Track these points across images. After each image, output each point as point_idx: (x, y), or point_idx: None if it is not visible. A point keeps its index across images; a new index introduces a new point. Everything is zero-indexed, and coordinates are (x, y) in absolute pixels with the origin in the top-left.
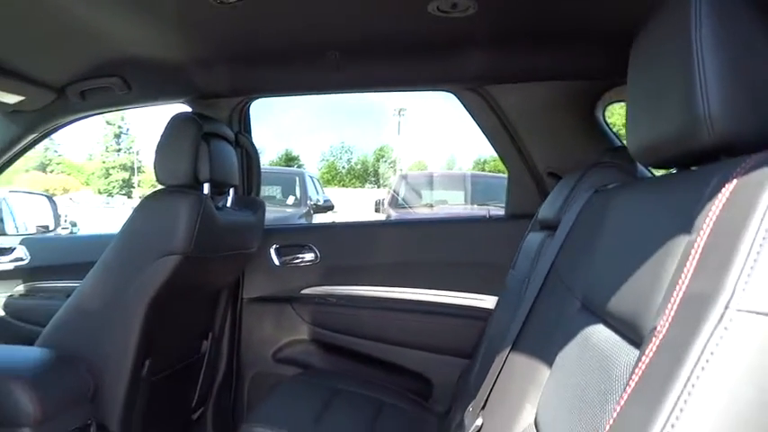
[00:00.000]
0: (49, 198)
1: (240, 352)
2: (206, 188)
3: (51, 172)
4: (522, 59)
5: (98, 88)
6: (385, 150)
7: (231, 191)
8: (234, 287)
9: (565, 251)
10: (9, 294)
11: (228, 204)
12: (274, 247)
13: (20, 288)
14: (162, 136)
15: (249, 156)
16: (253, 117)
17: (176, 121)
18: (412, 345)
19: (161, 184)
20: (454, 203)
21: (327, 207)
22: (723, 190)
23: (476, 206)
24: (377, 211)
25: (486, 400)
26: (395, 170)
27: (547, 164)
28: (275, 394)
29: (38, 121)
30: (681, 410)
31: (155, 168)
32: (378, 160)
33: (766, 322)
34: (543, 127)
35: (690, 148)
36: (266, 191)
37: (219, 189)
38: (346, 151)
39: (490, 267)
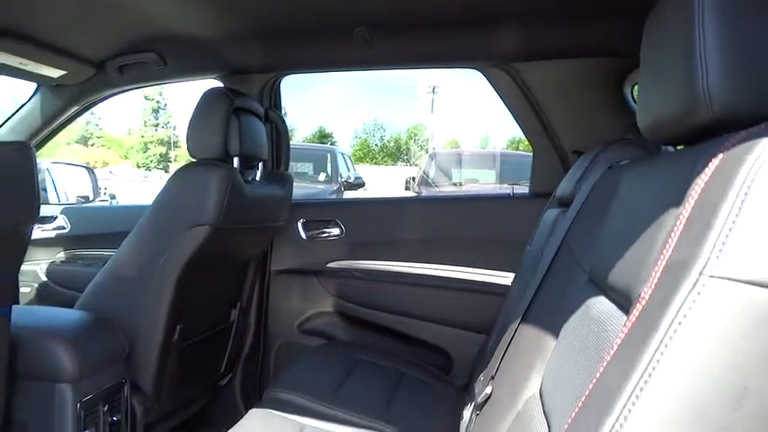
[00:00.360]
0: (89, 169)
1: (267, 322)
2: (236, 162)
3: (92, 145)
4: (550, 36)
5: (135, 63)
6: (418, 128)
7: (260, 165)
8: (262, 259)
9: (576, 227)
10: (51, 261)
11: (257, 178)
12: (302, 221)
13: (61, 255)
14: (194, 110)
15: (279, 131)
16: (288, 94)
17: (208, 95)
18: (433, 319)
19: (192, 157)
20: (485, 182)
21: (358, 184)
22: (710, 165)
23: (506, 185)
24: (407, 188)
25: (497, 369)
26: (427, 149)
27: (572, 142)
28: (299, 363)
29: (79, 94)
30: (653, 369)
31: (187, 142)
32: (410, 138)
33: (739, 288)
34: (569, 105)
35: (692, 125)
36: (298, 167)
37: (249, 163)
38: (379, 129)
39: (512, 245)
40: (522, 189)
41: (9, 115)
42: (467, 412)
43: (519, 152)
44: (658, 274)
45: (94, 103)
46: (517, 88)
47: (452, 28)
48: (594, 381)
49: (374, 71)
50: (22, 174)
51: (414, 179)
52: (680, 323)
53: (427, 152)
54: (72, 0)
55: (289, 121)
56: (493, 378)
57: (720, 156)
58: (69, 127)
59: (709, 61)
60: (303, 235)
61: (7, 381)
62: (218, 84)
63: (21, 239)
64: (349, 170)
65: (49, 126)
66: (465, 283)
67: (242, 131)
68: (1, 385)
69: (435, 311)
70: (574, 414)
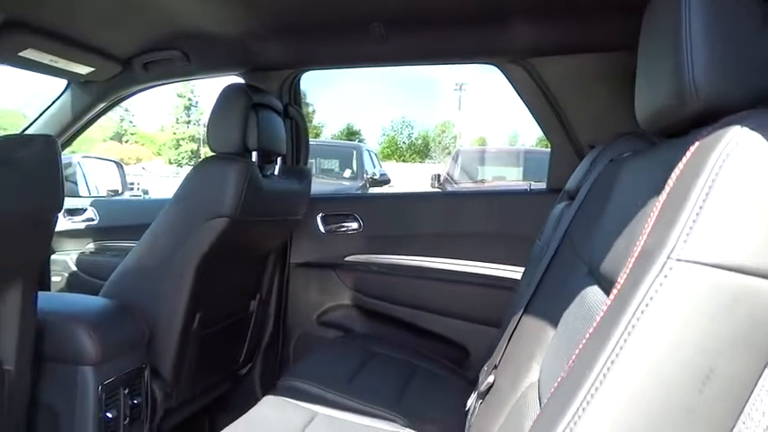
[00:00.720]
0: (118, 164)
1: (287, 314)
2: (254, 156)
3: (126, 142)
4: (566, 31)
5: (160, 60)
6: (446, 126)
7: (279, 160)
8: (281, 252)
9: (578, 219)
10: (80, 251)
11: (276, 172)
12: (320, 215)
13: (90, 246)
14: (214, 106)
15: (298, 127)
16: (316, 92)
17: (227, 91)
18: (449, 313)
19: (212, 151)
20: (512, 180)
21: (384, 181)
22: (687, 153)
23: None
24: (432, 186)
25: (500, 359)
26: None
27: (588, 137)
28: (314, 353)
29: (106, 90)
30: (620, 349)
31: (207, 136)
32: (439, 135)
33: (705, 271)
34: (586, 99)
35: (681, 116)
36: (325, 164)
37: (268, 157)
38: (407, 126)
39: (528, 240)
40: (542, 185)
41: (41, 111)
42: (471, 401)
43: (545, 149)
44: (633, 260)
45: (121, 100)
46: (534, 83)
47: (468, 23)
48: (574, 357)
49: (399, 68)
50: (48, 164)
51: (439, 176)
52: (647, 305)
53: (452, 150)
54: (101, 0)
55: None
56: (496, 368)
57: (696, 144)
58: (105, 124)
59: (694, 52)
60: (322, 229)
61: (34, 363)
62: (240, 80)
63: (46, 227)
64: (375, 167)
65: (79, 121)
66: (481, 277)
67: (260, 126)
68: (27, 366)
69: (451, 305)
70: (552, 389)
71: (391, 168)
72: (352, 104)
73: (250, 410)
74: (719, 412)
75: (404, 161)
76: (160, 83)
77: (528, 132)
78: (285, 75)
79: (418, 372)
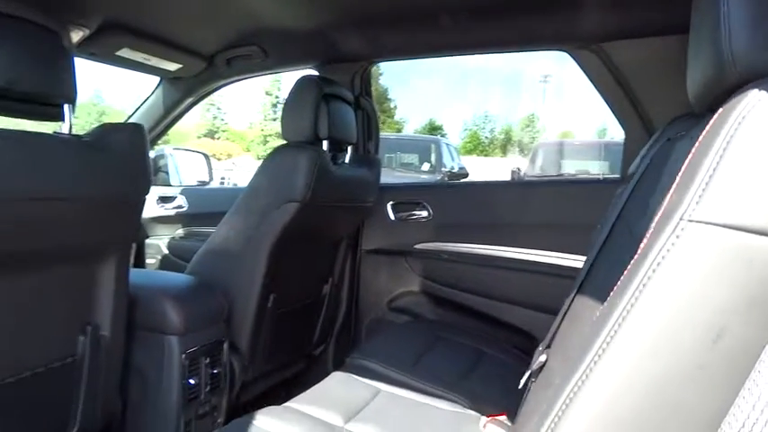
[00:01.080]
0: (205, 155)
1: (359, 299)
2: (325, 145)
3: (218, 139)
4: (639, 13)
5: (240, 56)
6: (530, 119)
7: (349, 148)
8: (353, 239)
9: (632, 200)
10: (171, 236)
11: (347, 161)
12: (391, 203)
13: (180, 231)
14: (287, 97)
15: (369, 117)
16: (398, 88)
17: (300, 83)
18: (518, 302)
19: (285, 140)
20: (595, 172)
21: (462, 174)
22: (711, 120)
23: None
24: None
25: (552, 339)
26: (537, 140)
27: (663, 122)
28: (382, 335)
29: (193, 86)
30: (632, 306)
31: (281, 126)
32: (522, 130)
33: (716, 231)
34: (660, 84)
35: (722, 88)
36: (404, 158)
37: (338, 146)
38: (490, 121)
39: None
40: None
41: (137, 107)
42: (524, 380)
43: None
44: (654, 224)
45: (207, 94)
46: (606, 70)
47: (538, 9)
48: (598, 313)
49: (481, 63)
50: (136, 150)
51: (519, 170)
52: (659, 264)
53: (532, 144)
54: (187, 1)
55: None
56: (549, 347)
57: (719, 111)
58: (198, 122)
59: (732, 22)
60: (392, 217)
61: (127, 331)
62: (314, 73)
63: (135, 208)
64: (453, 160)
65: (170, 115)
66: (550, 267)
67: (330, 116)
68: (121, 333)
69: (519, 294)
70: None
71: (473, 162)
72: (435, 100)
73: (317, 384)
74: (729, 370)
75: (486, 155)
76: (241, 77)
77: (617, 125)
78: (357, 66)
79: (485, 358)
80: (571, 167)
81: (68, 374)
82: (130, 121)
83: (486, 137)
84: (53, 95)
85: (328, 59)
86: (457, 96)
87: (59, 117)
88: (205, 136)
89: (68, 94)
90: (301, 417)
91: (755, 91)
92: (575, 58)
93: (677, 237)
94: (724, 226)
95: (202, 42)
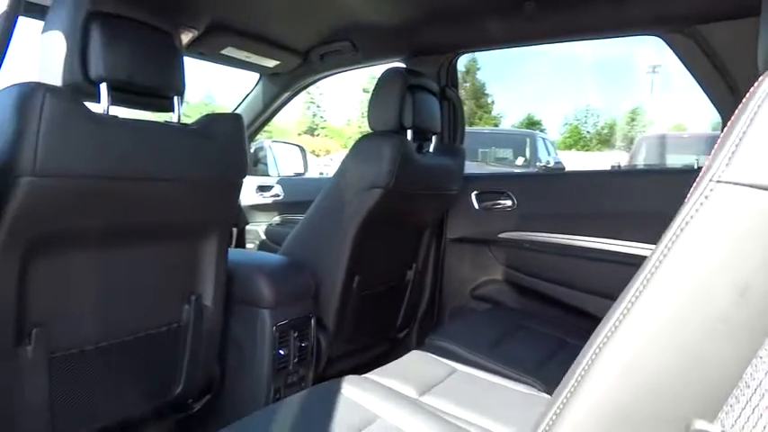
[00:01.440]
0: (301, 148)
1: (442, 285)
2: (409, 134)
3: (317, 135)
4: None
5: (333, 51)
6: (636, 113)
7: (434, 138)
8: (438, 227)
9: None
10: (269, 223)
11: (431, 150)
12: (475, 192)
13: (276, 218)
14: (374, 88)
15: (454, 108)
16: (495, 83)
17: (386, 75)
18: (601, 293)
19: (372, 129)
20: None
21: (557, 169)
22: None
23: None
24: None
25: None
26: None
27: None
28: (463, 319)
29: (290, 81)
30: (660, 262)
31: (368, 116)
32: (627, 123)
33: (743, 192)
34: (760, 67)
35: None
36: (499, 153)
37: (423, 135)
38: (592, 114)
39: None
40: None
41: (239, 102)
42: None
43: None
44: (692, 189)
45: (302, 89)
46: (702, 54)
47: None
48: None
49: (583, 54)
50: (235, 137)
51: (619, 165)
52: (686, 223)
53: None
54: (284, 1)
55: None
56: None
57: (761, 78)
58: (299, 119)
59: None
60: (476, 206)
61: (226, 304)
62: (401, 66)
63: (233, 189)
64: (550, 154)
65: (268, 109)
66: (635, 258)
67: (415, 106)
68: (220, 304)
69: (603, 285)
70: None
71: (572, 157)
72: (535, 94)
73: (396, 360)
74: (752, 324)
75: (588, 150)
76: (334, 72)
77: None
78: (443, 58)
79: (566, 347)
80: (677, 162)
81: (174, 339)
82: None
83: (588, 131)
84: (165, 89)
85: (415, 52)
86: (557, 90)
87: (171, 108)
88: (305, 133)
89: (178, 87)
90: (378, 386)
91: None
92: (668, 43)
93: (705, 197)
94: (752, 186)
95: (298, 39)
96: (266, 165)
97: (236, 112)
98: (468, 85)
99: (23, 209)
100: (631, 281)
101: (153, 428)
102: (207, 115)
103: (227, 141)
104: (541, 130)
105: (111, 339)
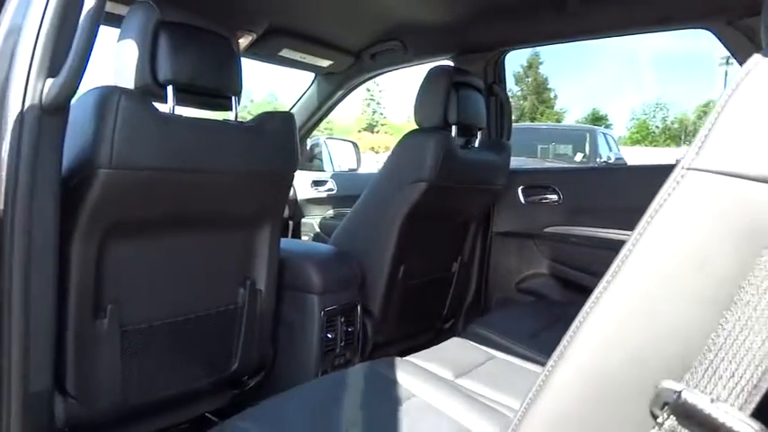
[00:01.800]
0: (354, 144)
1: (488, 278)
2: (453, 130)
3: (377, 132)
4: None
5: (383, 51)
6: (709, 107)
7: (479, 133)
8: (484, 221)
9: None
10: (323, 216)
11: (476, 145)
12: (521, 187)
13: (330, 212)
14: (420, 86)
15: (501, 104)
16: (559, 78)
17: (431, 73)
18: None
19: (417, 125)
20: None
21: (616, 164)
22: None
23: None
24: None
25: None
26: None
27: None
28: (505, 310)
29: (343, 80)
30: (631, 249)
31: (414, 113)
32: (700, 118)
33: (710, 178)
34: None
35: None
36: (558, 149)
37: (469, 131)
38: (661, 109)
39: None
40: None
41: (295, 101)
42: None
43: None
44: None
45: (355, 87)
46: (753, 47)
47: None
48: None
49: (651, 48)
50: (286, 133)
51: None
52: (660, 206)
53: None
54: (337, 3)
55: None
56: None
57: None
58: (359, 116)
59: None
60: (522, 200)
61: (278, 289)
62: (450, 64)
63: (285, 182)
64: (611, 150)
65: (323, 107)
66: None
67: (459, 103)
68: (273, 289)
69: None
70: None
71: (639, 153)
72: (601, 89)
73: (436, 346)
74: (718, 298)
75: (656, 146)
76: (385, 70)
77: None
78: (489, 56)
79: None
80: None
81: (231, 319)
82: (292, 111)
83: (657, 126)
84: (224, 90)
85: (462, 50)
86: (625, 84)
87: (229, 107)
88: (365, 129)
89: (235, 88)
90: (415, 368)
91: None
92: (718, 36)
93: (677, 183)
94: (717, 172)
95: (350, 40)
96: (321, 160)
97: (294, 109)
98: (530, 80)
99: (101, 198)
100: (614, 260)
101: (210, 402)
102: (261, 113)
103: (279, 137)
104: (607, 126)
105: (174, 317)
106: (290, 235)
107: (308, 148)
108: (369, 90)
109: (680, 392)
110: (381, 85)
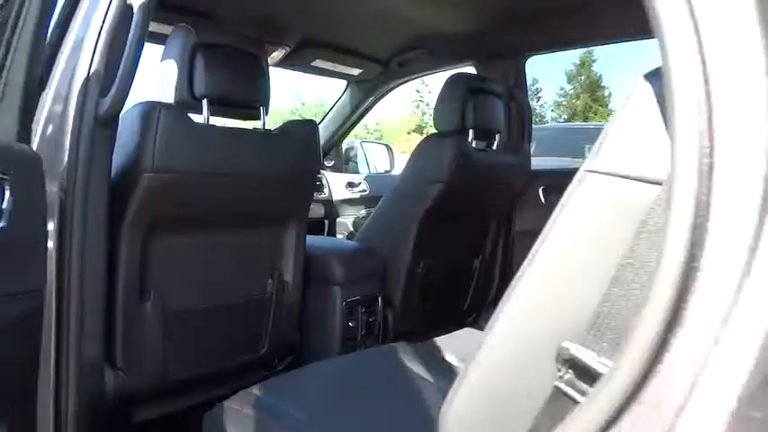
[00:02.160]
0: (388, 147)
1: (510, 275)
2: (470, 133)
3: (425, 133)
4: None
5: (410, 59)
6: None
7: (497, 136)
8: (506, 220)
9: None
10: (356, 216)
11: (494, 147)
12: (542, 187)
13: (362, 212)
14: (439, 93)
15: (521, 108)
16: (615, 73)
17: (449, 80)
18: None
19: (436, 129)
20: None
21: None
22: None
23: None
24: None
25: None
26: None
27: None
28: None
29: (373, 87)
30: (543, 240)
31: (433, 117)
32: None
33: (601, 179)
34: None
35: None
36: (587, 150)
37: (487, 135)
38: None
39: None
40: None
41: (330, 107)
42: None
43: None
44: None
45: (386, 93)
46: None
47: None
48: None
49: None
50: (308, 140)
51: None
52: (564, 206)
53: None
54: (365, 15)
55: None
56: None
57: None
58: (409, 117)
59: None
60: (543, 200)
61: (305, 281)
62: (472, 70)
63: (308, 184)
64: None
65: (356, 113)
66: None
67: (476, 108)
68: (300, 281)
69: None
70: None
71: None
72: None
73: (449, 334)
74: (605, 274)
75: None
76: (413, 77)
77: None
78: (509, 62)
79: None
80: None
81: (261, 307)
82: (327, 118)
83: None
84: (253, 102)
85: (483, 57)
86: None
87: (258, 117)
88: (414, 131)
89: (263, 100)
90: (424, 352)
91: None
92: None
93: (579, 183)
94: (609, 174)
95: (378, 49)
96: (357, 163)
97: (329, 114)
98: (583, 77)
99: (144, 199)
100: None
101: (243, 381)
102: (286, 122)
103: (302, 143)
104: None
105: (209, 304)
106: (325, 233)
107: (343, 151)
108: (419, 92)
109: (571, 350)
110: (431, 86)
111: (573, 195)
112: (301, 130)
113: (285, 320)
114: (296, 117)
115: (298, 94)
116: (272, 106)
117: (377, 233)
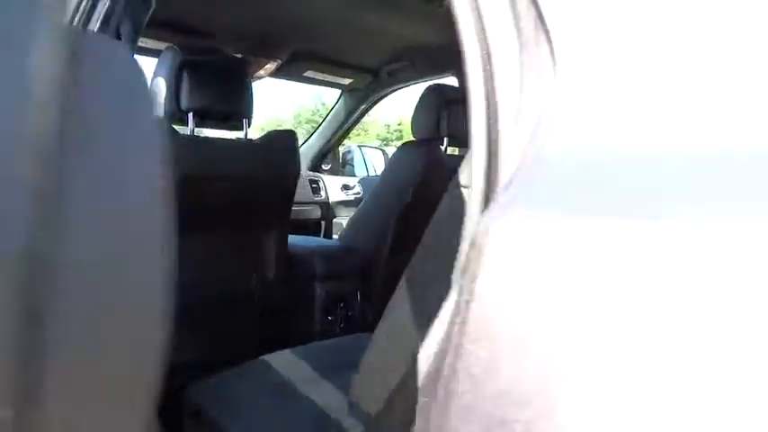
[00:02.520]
0: (383, 151)
1: None
2: (445, 141)
3: None
4: None
5: (397, 69)
6: None
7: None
8: None
9: None
10: (349, 218)
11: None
12: None
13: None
14: (416, 103)
15: None
16: None
17: (424, 92)
18: None
19: (413, 137)
20: None
21: None
22: None
23: None
24: None
25: None
26: None
27: None
28: None
29: (365, 95)
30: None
31: (411, 126)
32: None
33: (462, 190)
34: None
35: None
36: None
37: (462, 142)
38: None
39: None
40: None
41: (325, 115)
42: None
43: None
44: None
45: (376, 101)
46: None
47: None
48: None
49: None
50: (287, 149)
51: None
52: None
53: None
54: (352, 29)
55: None
56: None
57: None
58: None
59: None
60: None
61: (288, 277)
62: (454, 80)
63: (287, 191)
64: None
65: (350, 119)
66: None
67: (450, 117)
68: (282, 278)
69: None
70: None
71: None
72: None
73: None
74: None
75: None
76: (401, 86)
77: None
78: None
79: None
80: None
81: (249, 300)
82: (323, 124)
83: None
84: (236, 114)
85: (462, 68)
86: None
87: (241, 128)
88: None
89: (245, 112)
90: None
91: None
92: None
93: (450, 196)
94: (464, 186)
95: (366, 60)
96: (353, 166)
97: (325, 121)
98: None
99: None
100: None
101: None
102: (268, 132)
103: (281, 152)
104: None
105: (201, 298)
106: (322, 234)
107: (340, 155)
108: None
109: None
110: None
111: (442, 205)
112: (280, 140)
113: (273, 314)
114: (318, 116)
115: (318, 95)
116: (296, 107)
117: (357, 232)
